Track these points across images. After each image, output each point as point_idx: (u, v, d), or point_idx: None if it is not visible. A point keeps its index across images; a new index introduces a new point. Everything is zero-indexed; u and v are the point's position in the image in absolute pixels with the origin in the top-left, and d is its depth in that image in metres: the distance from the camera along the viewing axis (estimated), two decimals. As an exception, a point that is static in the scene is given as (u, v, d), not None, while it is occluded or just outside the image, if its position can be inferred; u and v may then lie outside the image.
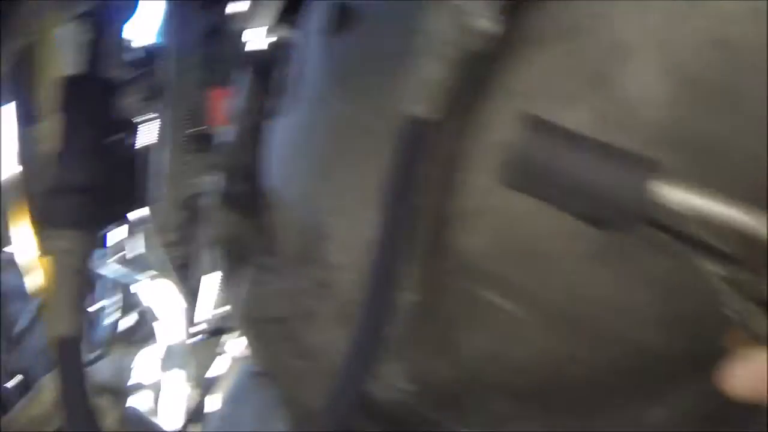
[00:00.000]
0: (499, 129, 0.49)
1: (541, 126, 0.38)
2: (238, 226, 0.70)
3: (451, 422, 0.64)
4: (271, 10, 0.93)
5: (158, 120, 1.28)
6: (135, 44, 1.37)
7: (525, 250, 0.51)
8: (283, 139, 0.69)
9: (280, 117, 0.70)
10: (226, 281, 0.70)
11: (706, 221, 0.36)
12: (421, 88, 0.48)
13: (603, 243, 0.48)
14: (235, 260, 0.69)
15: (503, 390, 0.59)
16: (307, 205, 0.62)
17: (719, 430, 0.70)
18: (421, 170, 0.48)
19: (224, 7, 1.31)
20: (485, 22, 0.46)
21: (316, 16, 0.65)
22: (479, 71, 0.49)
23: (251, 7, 1.02)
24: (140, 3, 1.29)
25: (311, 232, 0.62)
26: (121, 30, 1.29)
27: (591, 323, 0.52)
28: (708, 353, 0.50)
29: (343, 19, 0.59)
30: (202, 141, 1.23)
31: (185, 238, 1.42)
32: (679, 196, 0.35)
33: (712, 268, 0.38)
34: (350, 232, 0.58)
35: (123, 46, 1.31)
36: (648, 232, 0.38)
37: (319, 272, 0.61)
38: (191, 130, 1.19)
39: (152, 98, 1.28)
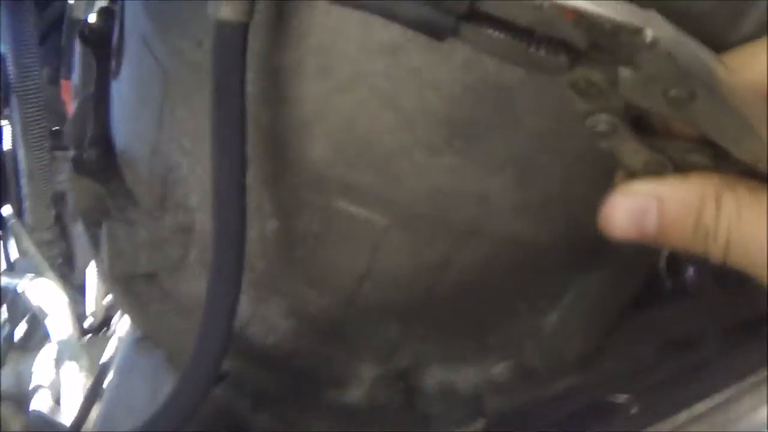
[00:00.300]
0: (317, 31, 0.47)
1: None
2: (93, 193, 0.67)
3: (342, 355, 0.62)
4: None
5: (10, 123, 1.31)
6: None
7: (366, 151, 0.49)
8: (121, 97, 0.66)
9: (114, 79, 0.67)
10: (93, 250, 0.68)
11: (539, 6, 0.32)
12: None
13: (445, 131, 0.47)
14: (98, 226, 0.67)
15: (384, 312, 0.59)
16: (156, 154, 0.59)
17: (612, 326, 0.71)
18: (242, 79, 0.45)
19: (58, 3, 1.30)
20: None
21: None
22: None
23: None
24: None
25: (164, 179, 0.60)
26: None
27: (452, 219, 0.51)
28: (586, 241, 0.49)
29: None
30: (60, 137, 1.22)
31: (60, 234, 1.41)
32: None
33: (560, 74, 0.35)
34: (199, 170, 0.56)
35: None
36: (477, 33, 0.35)
37: (179, 217, 0.59)
38: (42, 128, 1.18)
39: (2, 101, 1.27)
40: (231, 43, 0.45)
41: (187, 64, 0.53)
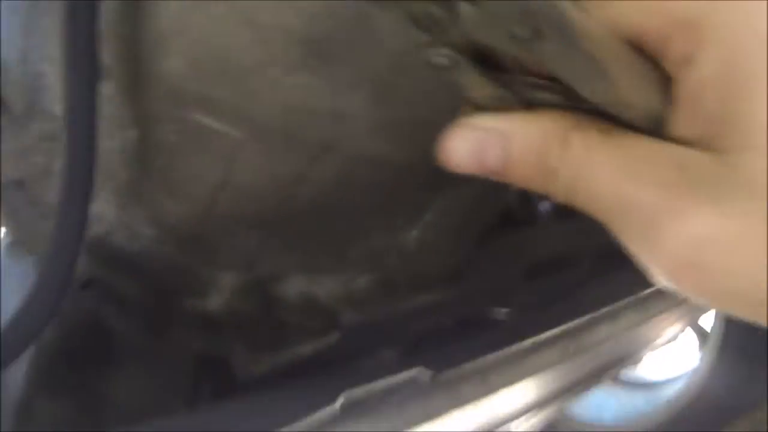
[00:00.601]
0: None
1: None
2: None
3: (202, 264, 0.64)
4: None
5: None
6: None
7: (223, 66, 0.51)
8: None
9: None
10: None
11: None
12: None
13: (301, 48, 0.49)
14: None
15: (241, 223, 0.60)
16: (24, 62, 0.60)
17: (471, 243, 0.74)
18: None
19: None
20: None
21: None
22: None
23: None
24: None
25: (32, 86, 0.60)
26: None
27: (307, 136, 0.53)
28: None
29: None
30: None
31: None
32: None
33: (396, 4, 0.32)
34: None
35: None
36: None
37: (45, 125, 0.59)
38: None
39: None
40: None
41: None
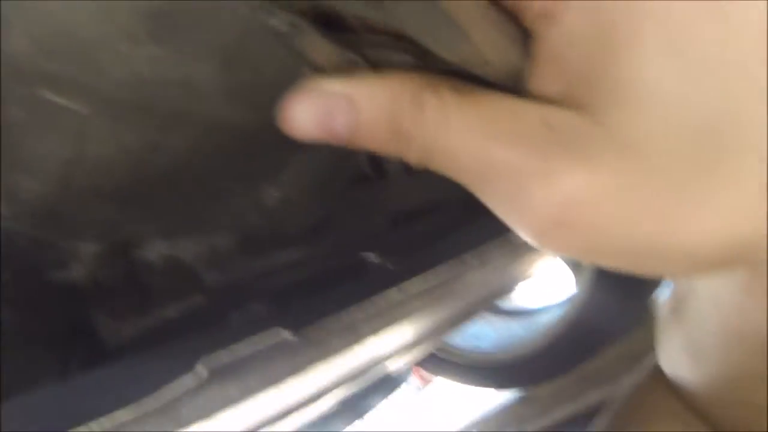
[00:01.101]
0: None
1: None
2: None
3: (61, 238, 0.64)
4: None
5: None
6: None
7: (66, 42, 0.50)
8: None
9: None
10: None
11: None
12: None
13: (147, 21, 0.48)
14: None
15: (97, 195, 0.60)
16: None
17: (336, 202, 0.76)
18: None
19: None
20: None
21: None
22: None
23: None
24: None
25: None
26: None
27: (158, 106, 0.54)
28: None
29: None
30: None
31: None
32: None
33: None
34: None
35: None
36: None
37: None
38: None
39: None
40: None
41: None
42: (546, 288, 2.21)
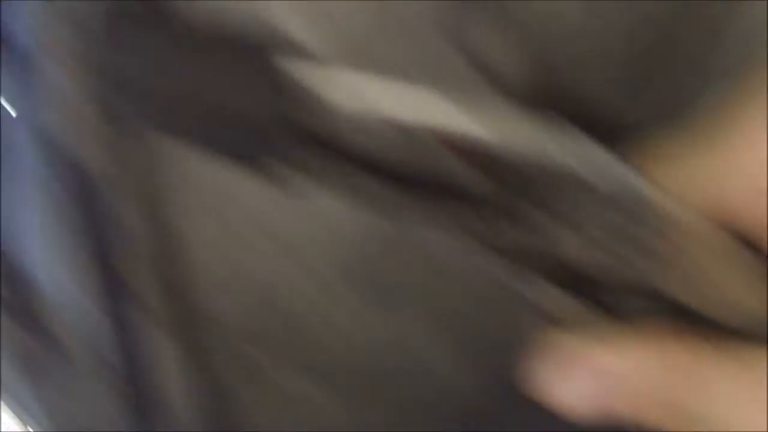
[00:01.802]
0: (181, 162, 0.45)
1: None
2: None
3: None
4: None
5: None
6: None
7: (268, 304, 0.47)
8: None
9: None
10: None
11: (395, 123, 0.21)
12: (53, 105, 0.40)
13: (361, 287, 0.44)
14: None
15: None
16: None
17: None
18: (104, 222, 0.43)
19: None
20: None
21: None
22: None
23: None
24: None
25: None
26: None
27: (375, 379, 0.49)
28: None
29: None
30: None
31: None
32: (345, 86, 0.21)
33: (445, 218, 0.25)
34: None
35: None
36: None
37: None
38: None
39: None
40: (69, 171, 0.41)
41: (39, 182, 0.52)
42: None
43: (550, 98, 0.31)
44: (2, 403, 0.57)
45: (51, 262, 0.59)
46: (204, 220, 0.45)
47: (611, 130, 0.28)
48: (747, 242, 0.27)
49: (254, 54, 0.21)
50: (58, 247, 0.56)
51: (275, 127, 0.21)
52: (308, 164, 0.22)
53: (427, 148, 0.22)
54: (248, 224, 0.44)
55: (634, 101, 0.33)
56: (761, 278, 0.27)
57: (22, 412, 0.64)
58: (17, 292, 0.63)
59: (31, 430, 0.69)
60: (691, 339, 0.28)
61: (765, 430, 0.27)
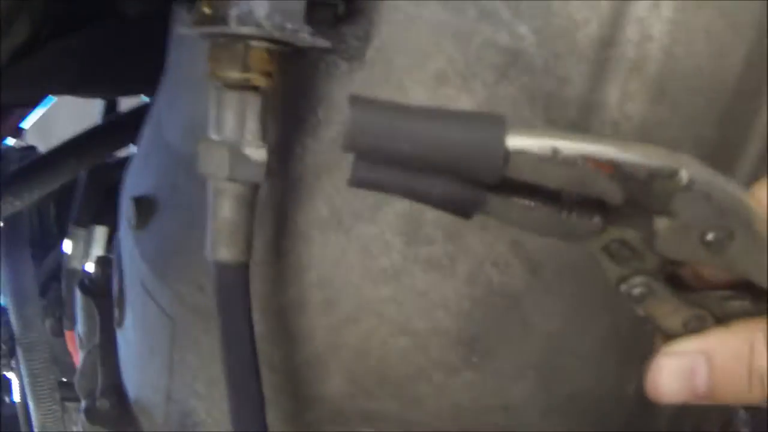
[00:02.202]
0: (317, 264, 0.47)
1: (370, 103, 0.31)
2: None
3: None
4: (102, 240, 0.94)
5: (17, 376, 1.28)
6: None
7: (383, 378, 0.49)
8: (128, 345, 0.66)
9: (119, 328, 0.67)
10: None
11: (572, 165, 0.30)
12: (219, 231, 0.45)
13: (460, 348, 0.47)
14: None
15: None
16: (170, 401, 0.59)
17: None
18: (249, 320, 0.46)
19: (55, 254, 1.32)
20: (255, 150, 0.44)
21: (123, 217, 0.63)
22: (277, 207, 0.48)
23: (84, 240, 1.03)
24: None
25: (181, 424, 0.59)
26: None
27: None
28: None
29: (141, 212, 0.58)
30: (70, 389, 1.19)
31: None
32: (541, 148, 0.29)
33: (592, 239, 0.32)
34: (216, 413, 0.55)
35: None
36: (506, 204, 0.32)
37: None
38: (51, 381, 1.17)
39: (9, 354, 1.26)
40: (233, 284, 0.45)
41: (191, 309, 0.53)
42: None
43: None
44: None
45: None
46: (322, 310, 0.47)
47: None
48: None
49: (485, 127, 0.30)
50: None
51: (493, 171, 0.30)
52: (492, 205, 0.31)
53: (581, 170, 0.30)
54: (365, 311, 0.48)
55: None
56: None
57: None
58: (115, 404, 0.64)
59: None
60: None
61: None
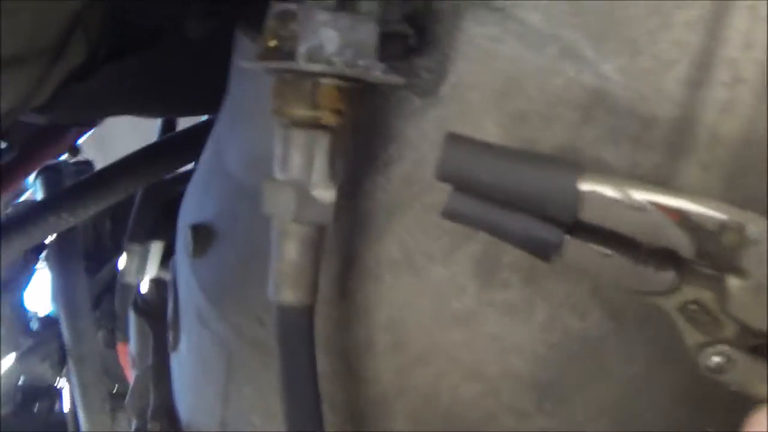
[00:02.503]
0: (385, 306, 0.46)
1: (461, 140, 0.36)
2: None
3: None
4: (157, 256, 0.93)
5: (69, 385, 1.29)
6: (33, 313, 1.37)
7: (450, 423, 0.47)
8: (182, 369, 0.65)
9: (173, 351, 0.66)
10: None
11: (642, 210, 0.31)
12: (284, 273, 0.43)
13: (534, 393, 0.46)
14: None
15: None
16: (224, 429, 0.57)
17: None
18: (312, 363, 0.44)
19: (109, 268, 1.32)
20: (323, 192, 0.42)
21: (180, 243, 0.62)
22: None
23: (139, 256, 1.03)
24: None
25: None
26: (22, 298, 1.28)
27: None
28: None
29: (199, 240, 0.56)
30: (120, 399, 1.19)
31: None
32: (613, 191, 0.32)
33: (668, 296, 0.33)
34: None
35: (24, 313, 1.29)
36: (583, 249, 0.34)
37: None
38: (101, 392, 1.17)
39: (60, 364, 1.26)
40: (297, 327, 0.43)
41: (249, 342, 0.52)
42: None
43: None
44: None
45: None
46: (389, 353, 0.46)
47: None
48: None
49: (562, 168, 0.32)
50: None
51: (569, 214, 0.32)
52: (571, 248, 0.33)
53: (651, 216, 0.31)
54: (434, 354, 0.47)
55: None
56: None
57: None
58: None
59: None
60: None
61: None
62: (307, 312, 0.43)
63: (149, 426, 0.66)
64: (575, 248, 0.33)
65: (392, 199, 0.45)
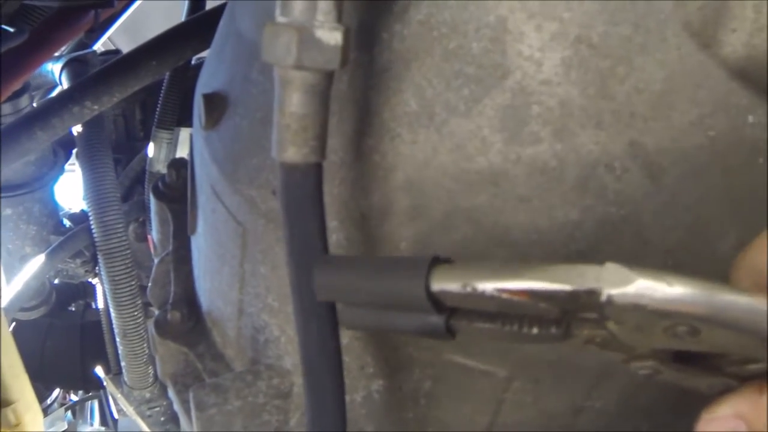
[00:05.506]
0: (404, 165, 0.41)
1: (328, 262, 0.38)
2: (182, 356, 0.63)
3: None
4: (186, 143, 0.89)
5: (100, 282, 1.29)
6: (63, 210, 1.36)
7: None
8: (201, 253, 0.62)
9: (193, 235, 0.63)
10: (186, 416, 0.63)
11: (492, 297, 0.32)
12: (286, 128, 0.38)
13: None
14: (186, 392, 0.62)
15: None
16: (242, 314, 0.54)
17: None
18: (320, 228, 0.40)
19: (139, 158, 1.30)
20: (328, 33, 0.37)
21: (195, 116, 0.58)
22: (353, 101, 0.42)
23: (167, 143, 1.00)
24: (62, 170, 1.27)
25: (253, 340, 0.55)
26: (52, 195, 1.26)
27: (583, 366, 0.46)
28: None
29: (212, 110, 0.52)
30: None
31: (162, 392, 1.37)
32: (459, 287, 0.33)
33: (567, 342, 0.34)
34: (290, 330, 0.51)
35: (55, 211, 1.28)
36: (470, 328, 0.35)
37: (274, 381, 0.53)
38: (132, 287, 1.16)
39: (92, 261, 1.25)
40: (303, 188, 0.39)
41: (263, 216, 0.48)
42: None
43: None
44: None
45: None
46: (409, 217, 0.42)
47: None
48: None
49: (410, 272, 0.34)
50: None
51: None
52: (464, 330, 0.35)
53: (503, 300, 0.32)
54: (458, 219, 0.42)
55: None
56: None
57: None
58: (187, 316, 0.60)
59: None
60: None
61: None
62: (314, 171, 0.39)
63: (168, 316, 0.64)
64: (464, 328, 0.35)
65: (410, 46, 0.41)
